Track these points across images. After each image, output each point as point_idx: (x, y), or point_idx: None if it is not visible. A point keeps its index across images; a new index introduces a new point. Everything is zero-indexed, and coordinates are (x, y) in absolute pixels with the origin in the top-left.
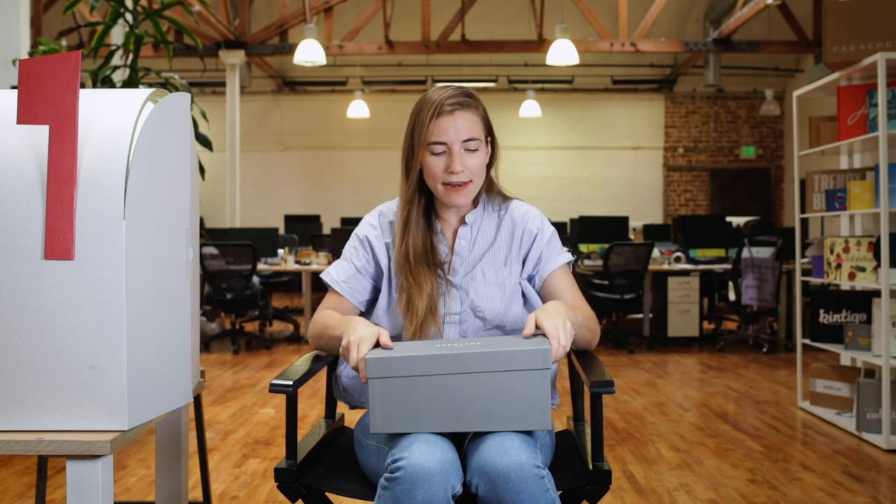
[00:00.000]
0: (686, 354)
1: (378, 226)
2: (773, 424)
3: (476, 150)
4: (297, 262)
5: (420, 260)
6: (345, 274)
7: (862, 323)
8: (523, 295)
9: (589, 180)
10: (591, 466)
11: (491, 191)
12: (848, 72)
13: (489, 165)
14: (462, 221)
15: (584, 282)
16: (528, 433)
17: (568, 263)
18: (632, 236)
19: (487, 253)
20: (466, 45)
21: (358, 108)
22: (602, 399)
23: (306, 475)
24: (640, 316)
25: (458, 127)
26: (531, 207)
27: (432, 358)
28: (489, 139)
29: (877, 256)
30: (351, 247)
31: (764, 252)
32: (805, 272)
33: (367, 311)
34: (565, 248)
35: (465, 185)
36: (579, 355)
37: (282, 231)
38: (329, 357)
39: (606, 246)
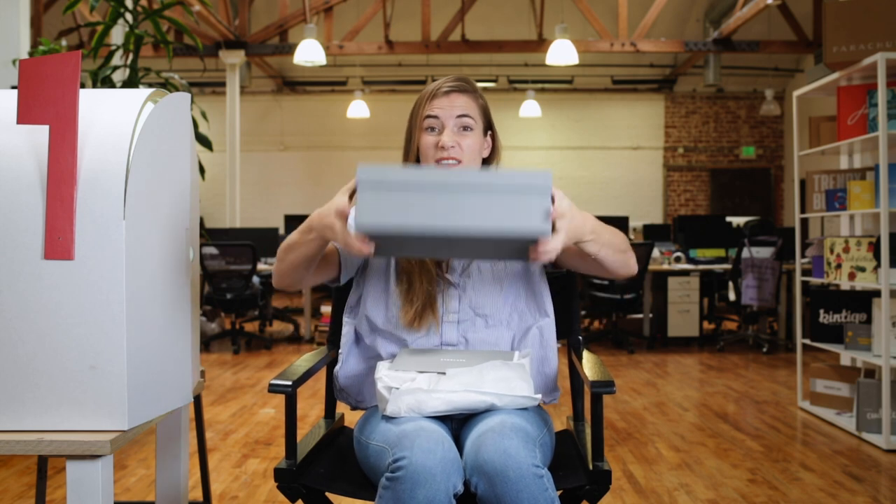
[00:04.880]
0: (686, 354)
1: None
2: (773, 424)
3: (470, 129)
4: None
5: None
6: None
7: (862, 323)
8: (530, 289)
9: (589, 180)
10: (591, 466)
11: None
12: (848, 72)
13: (489, 160)
14: None
15: (585, 282)
16: (528, 433)
17: None
18: (632, 236)
19: None
20: (466, 45)
21: (358, 108)
22: (602, 399)
23: (306, 475)
24: (640, 316)
25: (454, 104)
26: None
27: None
28: (489, 132)
29: (877, 256)
30: None
31: (764, 252)
32: (805, 272)
33: (347, 287)
34: None
35: (457, 162)
36: (580, 355)
37: (282, 231)
38: (328, 357)
39: None
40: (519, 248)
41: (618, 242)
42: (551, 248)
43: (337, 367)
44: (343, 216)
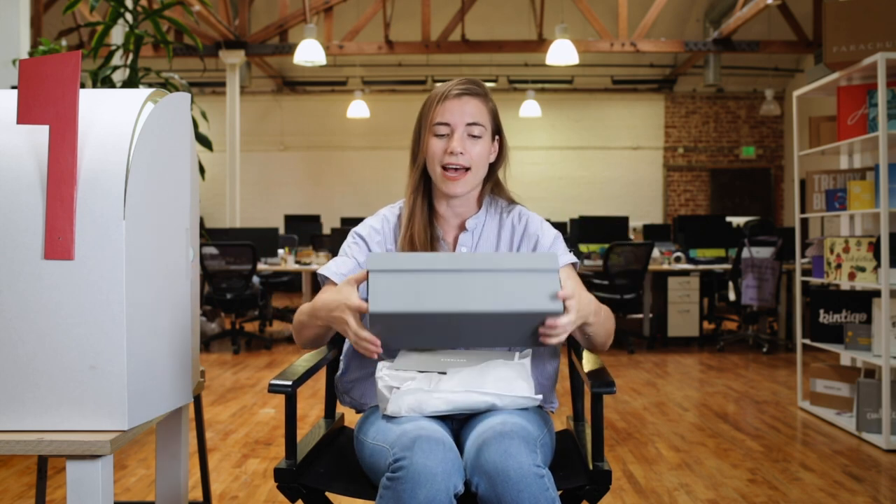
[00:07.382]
0: (686, 354)
1: (381, 230)
2: (773, 424)
3: (479, 137)
4: (297, 262)
5: (424, 248)
6: (345, 267)
7: (862, 323)
8: None
9: (589, 180)
10: (591, 466)
11: (497, 193)
12: (848, 72)
13: (496, 165)
14: (463, 227)
15: (585, 282)
16: (529, 433)
17: (573, 265)
18: (632, 236)
19: None
20: (466, 45)
21: (358, 108)
22: (602, 399)
23: (306, 475)
24: (640, 316)
25: (464, 110)
26: (533, 213)
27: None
28: (497, 137)
29: (877, 256)
30: (351, 242)
31: (764, 252)
32: (805, 272)
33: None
34: (570, 251)
35: (464, 172)
36: (580, 355)
37: (282, 231)
38: (329, 356)
39: (606, 246)
40: (528, 332)
41: (609, 326)
42: (562, 329)
43: (338, 373)
44: (359, 311)
